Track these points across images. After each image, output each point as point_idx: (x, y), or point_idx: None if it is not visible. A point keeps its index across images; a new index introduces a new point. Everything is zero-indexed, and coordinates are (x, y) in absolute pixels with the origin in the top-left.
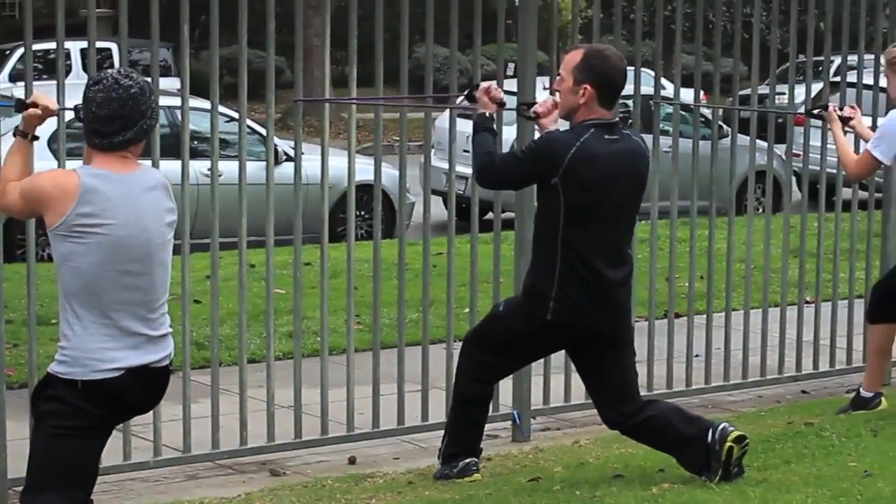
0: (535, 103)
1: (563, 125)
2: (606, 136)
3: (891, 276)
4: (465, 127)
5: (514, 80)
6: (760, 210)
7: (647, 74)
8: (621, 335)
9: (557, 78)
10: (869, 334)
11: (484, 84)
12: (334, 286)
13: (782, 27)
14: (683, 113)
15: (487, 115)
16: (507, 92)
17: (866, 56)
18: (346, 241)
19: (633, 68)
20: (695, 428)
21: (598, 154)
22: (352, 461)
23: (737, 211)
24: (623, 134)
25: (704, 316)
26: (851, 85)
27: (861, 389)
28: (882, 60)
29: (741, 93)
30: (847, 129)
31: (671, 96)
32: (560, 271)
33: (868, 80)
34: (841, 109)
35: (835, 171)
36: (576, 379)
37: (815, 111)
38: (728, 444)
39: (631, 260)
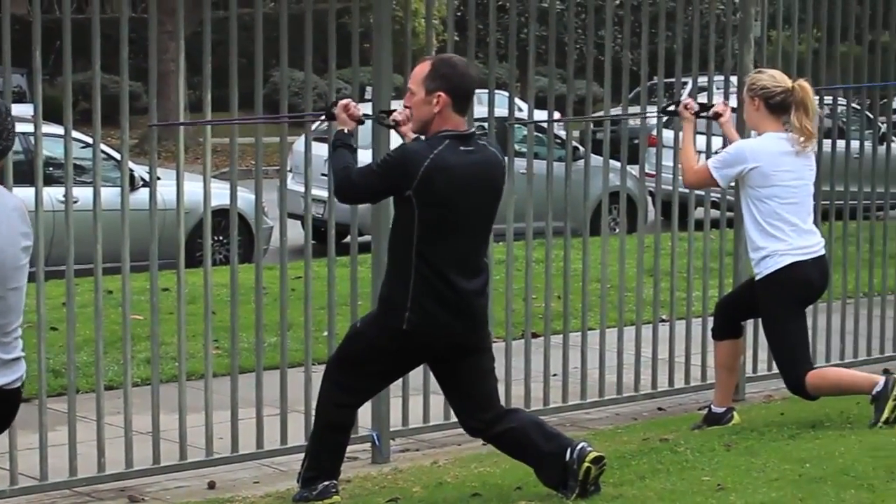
0: (394, 111)
1: None
2: (461, 148)
3: (732, 293)
4: (322, 151)
5: (370, 104)
6: (616, 230)
7: (504, 97)
8: (479, 343)
9: (408, 94)
10: (715, 351)
11: (343, 101)
12: (192, 311)
13: (635, 49)
14: (540, 135)
15: (346, 131)
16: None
17: (717, 77)
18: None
19: (489, 91)
20: (554, 445)
21: (453, 165)
22: (211, 486)
23: (593, 231)
24: (479, 145)
25: (561, 336)
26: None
27: (713, 405)
28: (745, 84)
29: (595, 114)
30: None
31: (526, 118)
32: (414, 282)
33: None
34: (708, 108)
35: (688, 191)
36: (434, 400)
37: (669, 107)
38: (586, 464)
39: (487, 270)
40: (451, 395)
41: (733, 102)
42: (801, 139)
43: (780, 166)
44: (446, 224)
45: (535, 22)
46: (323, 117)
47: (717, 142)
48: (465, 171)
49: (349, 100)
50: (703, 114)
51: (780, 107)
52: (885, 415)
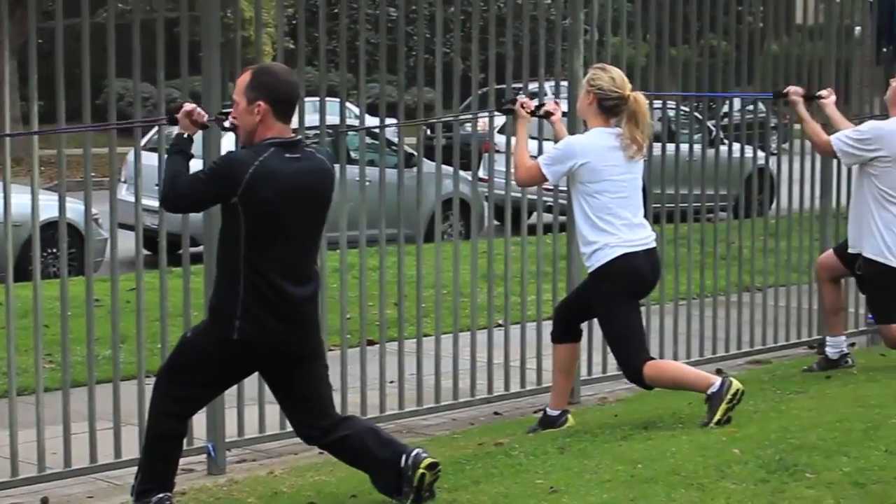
0: (230, 114)
1: None
2: (287, 155)
3: (570, 296)
4: (154, 161)
5: None
6: (452, 236)
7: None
8: (311, 351)
9: (233, 105)
10: (554, 354)
11: (187, 106)
12: (23, 325)
13: (469, 55)
14: (373, 141)
15: (185, 136)
16: None
17: (548, 83)
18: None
19: (334, 99)
20: (389, 451)
21: (278, 172)
22: (44, 502)
23: (430, 237)
24: (305, 152)
25: (397, 343)
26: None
27: (548, 409)
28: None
29: (432, 121)
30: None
31: (367, 125)
32: (244, 291)
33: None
34: (540, 107)
35: (520, 194)
36: (270, 410)
37: (505, 106)
38: (421, 470)
39: (317, 277)
40: (285, 403)
41: (564, 106)
42: (632, 149)
43: (608, 161)
44: (273, 231)
45: (364, 29)
46: (164, 120)
47: (548, 146)
48: (290, 178)
49: (194, 105)
50: (537, 112)
51: (611, 110)
52: (718, 416)
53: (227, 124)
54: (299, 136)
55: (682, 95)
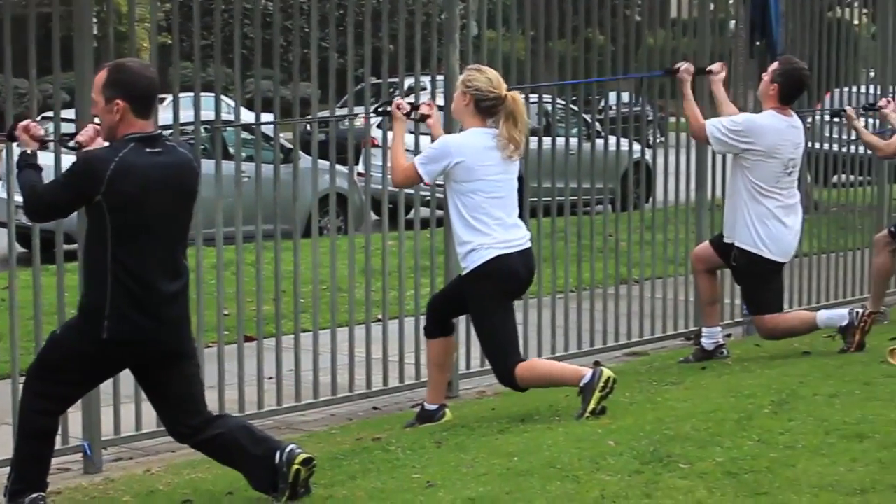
0: (76, 134)
1: None
2: (148, 150)
3: (443, 291)
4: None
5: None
6: (331, 231)
7: (226, 102)
8: (180, 348)
9: (93, 104)
10: (428, 349)
11: (22, 123)
12: None
13: (347, 50)
14: (250, 137)
15: (29, 152)
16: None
17: (424, 77)
18: None
19: (209, 94)
20: (263, 448)
21: (139, 167)
22: None
23: (309, 233)
24: (167, 146)
25: (274, 339)
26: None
27: (425, 403)
28: (461, 78)
29: (307, 119)
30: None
31: (249, 121)
32: (112, 288)
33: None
34: (416, 108)
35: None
36: (146, 407)
37: (380, 108)
38: (295, 466)
39: (186, 272)
40: (157, 402)
41: (440, 101)
42: (510, 148)
43: (484, 161)
44: (138, 227)
45: (239, 23)
46: (3, 137)
47: (425, 141)
48: (151, 173)
49: (29, 120)
50: (413, 115)
51: (489, 110)
52: (591, 406)
53: (71, 144)
54: (159, 131)
55: (568, 84)
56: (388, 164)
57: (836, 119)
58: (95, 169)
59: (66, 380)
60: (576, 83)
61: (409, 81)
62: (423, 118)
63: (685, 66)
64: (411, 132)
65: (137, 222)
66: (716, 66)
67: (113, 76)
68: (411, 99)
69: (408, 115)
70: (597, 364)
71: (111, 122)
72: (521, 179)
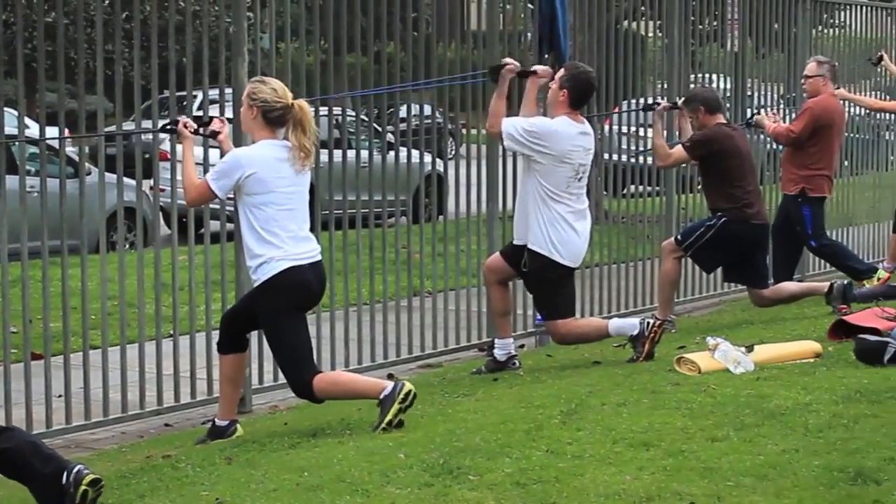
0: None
1: None
2: None
3: (236, 306)
4: None
5: None
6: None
7: (11, 114)
8: None
9: None
10: (221, 365)
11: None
12: None
13: (141, 64)
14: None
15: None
16: None
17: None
18: None
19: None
20: (51, 467)
21: None
22: None
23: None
24: None
25: (62, 356)
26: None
27: (216, 419)
28: (246, 91)
29: (107, 130)
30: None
31: (35, 135)
32: None
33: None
34: (206, 125)
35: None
36: None
37: (167, 126)
38: (83, 487)
39: None
40: None
41: (230, 113)
42: (300, 157)
43: (276, 172)
44: None
45: (21, 35)
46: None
47: (214, 154)
48: None
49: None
50: (201, 131)
51: (277, 120)
52: (389, 417)
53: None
54: None
55: (357, 94)
56: (179, 179)
57: (649, 112)
58: None
59: None
60: (364, 93)
61: (196, 96)
62: (214, 135)
63: (510, 65)
64: (202, 146)
65: None
66: (541, 69)
67: None
68: (200, 113)
69: (196, 132)
70: (391, 377)
71: None
72: (311, 191)
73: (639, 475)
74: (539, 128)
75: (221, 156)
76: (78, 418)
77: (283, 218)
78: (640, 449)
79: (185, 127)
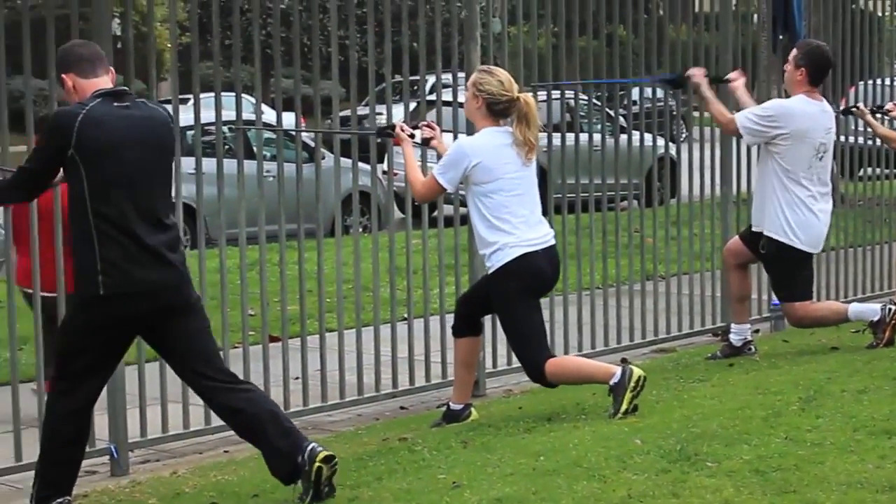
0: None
1: None
2: (116, 104)
3: (470, 290)
4: None
5: None
6: (360, 230)
7: (248, 100)
8: (182, 301)
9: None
10: (455, 348)
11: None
12: None
13: (377, 48)
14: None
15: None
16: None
17: (445, 75)
18: None
19: (230, 94)
20: (287, 442)
21: (107, 118)
22: None
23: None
24: (136, 102)
25: (299, 339)
26: (447, 104)
27: (451, 403)
28: (472, 80)
29: (341, 114)
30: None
31: (272, 122)
32: (99, 243)
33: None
34: (417, 127)
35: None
36: (173, 409)
37: (385, 129)
38: (317, 464)
39: (174, 227)
40: (174, 360)
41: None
42: (525, 150)
43: (502, 159)
44: (113, 177)
45: (257, 23)
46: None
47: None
48: (120, 124)
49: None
50: (415, 141)
51: (502, 112)
52: (624, 406)
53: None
54: (126, 87)
55: (588, 83)
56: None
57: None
58: (63, 124)
59: (80, 367)
60: (597, 82)
61: (429, 80)
62: (427, 142)
63: (694, 71)
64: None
65: (111, 172)
66: (734, 75)
67: (57, 58)
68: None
69: (412, 136)
70: (624, 361)
71: (70, 100)
72: (543, 175)
73: (881, 464)
74: (774, 110)
75: (438, 158)
76: (315, 400)
77: (513, 203)
78: (882, 437)
79: (403, 130)
